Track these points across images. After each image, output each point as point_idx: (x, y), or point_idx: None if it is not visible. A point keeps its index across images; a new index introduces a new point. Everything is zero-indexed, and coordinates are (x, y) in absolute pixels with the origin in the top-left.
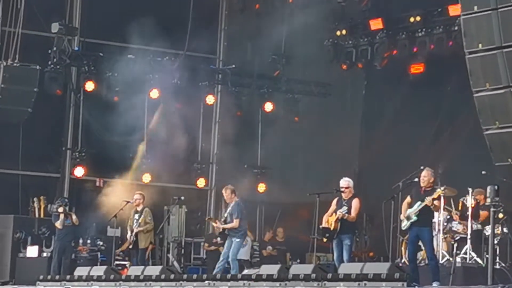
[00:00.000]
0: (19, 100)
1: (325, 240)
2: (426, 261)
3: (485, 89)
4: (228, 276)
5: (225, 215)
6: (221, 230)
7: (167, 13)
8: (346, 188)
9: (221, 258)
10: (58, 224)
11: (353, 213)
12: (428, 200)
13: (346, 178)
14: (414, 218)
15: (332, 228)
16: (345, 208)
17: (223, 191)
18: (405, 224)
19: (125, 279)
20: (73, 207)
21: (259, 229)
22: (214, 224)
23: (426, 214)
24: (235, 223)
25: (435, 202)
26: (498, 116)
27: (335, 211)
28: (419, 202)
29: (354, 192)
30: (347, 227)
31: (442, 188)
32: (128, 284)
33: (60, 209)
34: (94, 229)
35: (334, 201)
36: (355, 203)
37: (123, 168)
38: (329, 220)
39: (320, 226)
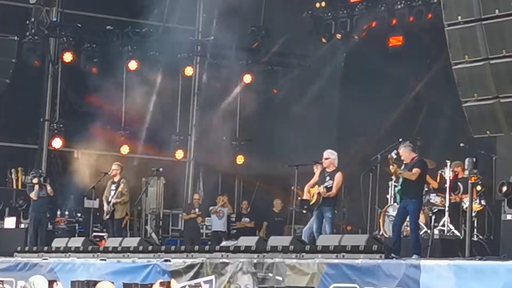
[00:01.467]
0: None
1: (304, 212)
2: (404, 234)
3: (464, 61)
4: (206, 247)
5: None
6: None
7: None
8: (326, 159)
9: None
10: (32, 195)
11: (334, 188)
12: (392, 169)
13: (329, 150)
14: (398, 188)
15: (314, 201)
16: (330, 182)
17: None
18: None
19: (103, 250)
20: (48, 178)
21: (237, 201)
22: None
23: (408, 187)
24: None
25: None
26: (477, 88)
27: (317, 183)
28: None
29: (338, 166)
30: (328, 200)
31: (393, 153)
32: (106, 256)
33: (35, 180)
34: (72, 200)
35: (317, 173)
36: (338, 177)
37: (101, 140)
38: (310, 191)
39: (299, 198)
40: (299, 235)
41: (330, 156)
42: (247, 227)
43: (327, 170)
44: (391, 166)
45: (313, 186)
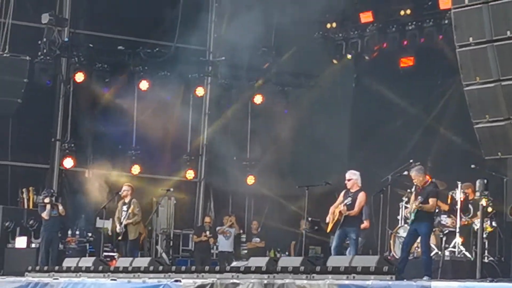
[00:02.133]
0: (9, 91)
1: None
2: (415, 255)
3: (475, 82)
4: (217, 268)
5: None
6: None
7: (157, 5)
8: (349, 180)
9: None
10: (44, 215)
11: (356, 207)
12: (407, 211)
13: (351, 171)
14: (412, 216)
15: (335, 220)
16: (349, 199)
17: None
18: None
19: (114, 270)
20: (60, 198)
21: (247, 221)
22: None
23: (423, 213)
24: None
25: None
26: (488, 109)
27: (341, 203)
28: (417, 202)
29: (361, 186)
30: (352, 220)
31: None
32: (116, 276)
33: (46, 200)
34: (83, 220)
35: (342, 193)
36: (360, 196)
37: (112, 160)
38: (335, 212)
39: (309, 219)
40: (310, 256)
41: (352, 177)
42: (257, 247)
43: (351, 190)
44: (413, 204)
45: (337, 207)
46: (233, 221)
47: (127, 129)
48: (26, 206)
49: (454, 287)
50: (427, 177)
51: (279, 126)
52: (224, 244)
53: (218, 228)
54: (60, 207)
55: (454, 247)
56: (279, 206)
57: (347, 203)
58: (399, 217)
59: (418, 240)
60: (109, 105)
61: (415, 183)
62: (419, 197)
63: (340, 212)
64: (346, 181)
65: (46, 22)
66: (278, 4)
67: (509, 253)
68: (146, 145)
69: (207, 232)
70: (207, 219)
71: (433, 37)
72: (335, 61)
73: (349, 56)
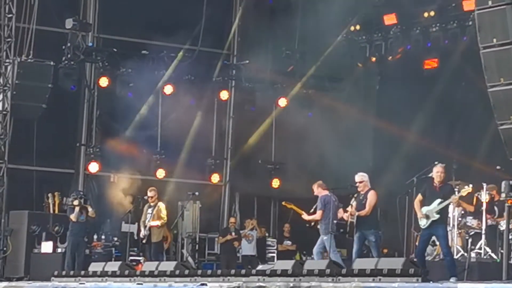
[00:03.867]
0: (34, 96)
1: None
2: (441, 256)
3: (500, 83)
4: (243, 271)
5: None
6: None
7: (181, 9)
8: (360, 182)
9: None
10: (72, 217)
11: (367, 206)
12: (454, 200)
13: (360, 173)
14: (436, 216)
15: (349, 223)
16: (359, 201)
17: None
18: (425, 223)
19: (140, 274)
20: (88, 200)
21: (272, 224)
22: (301, 215)
23: (445, 212)
24: (318, 214)
25: (464, 205)
26: None
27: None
28: (438, 200)
29: (370, 186)
30: (366, 221)
31: (470, 186)
32: (142, 280)
33: (76, 202)
34: (108, 224)
35: (354, 197)
36: (371, 195)
37: (137, 164)
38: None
39: (334, 221)
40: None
41: (363, 179)
42: (289, 250)
43: (361, 192)
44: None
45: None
46: (254, 224)
47: (152, 133)
48: (51, 211)
49: None
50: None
51: (303, 129)
52: (247, 247)
53: (240, 231)
54: (90, 210)
55: (480, 248)
56: (305, 209)
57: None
58: None
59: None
60: (133, 110)
61: (436, 179)
62: (437, 198)
63: (351, 215)
64: (358, 183)
65: (70, 27)
66: (302, 7)
67: None
68: (171, 149)
69: (233, 233)
70: (232, 220)
71: (457, 38)
72: (359, 64)
73: (373, 59)
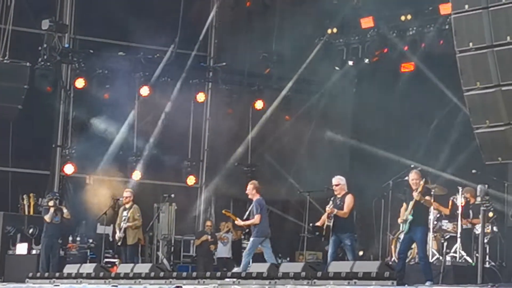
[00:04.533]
0: (9, 97)
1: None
2: (416, 260)
3: (476, 87)
4: (218, 274)
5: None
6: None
7: (158, 10)
8: (336, 185)
9: None
10: (47, 218)
11: (345, 208)
12: (415, 195)
13: (337, 176)
14: (410, 217)
15: (323, 224)
16: (336, 205)
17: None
18: (403, 227)
19: (115, 276)
20: (64, 201)
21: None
22: (235, 220)
23: (420, 213)
24: (256, 219)
25: (427, 197)
26: (489, 115)
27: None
28: (411, 202)
29: (347, 190)
30: (343, 225)
31: (423, 180)
32: (117, 282)
33: (51, 203)
34: (83, 226)
35: (331, 201)
36: (347, 199)
37: (113, 166)
38: (323, 217)
39: (311, 224)
40: (310, 261)
41: (340, 182)
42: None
43: (338, 196)
44: (417, 193)
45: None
46: (230, 226)
47: (128, 135)
48: (27, 213)
49: None
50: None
51: (280, 131)
52: (222, 250)
53: (216, 234)
54: (65, 211)
55: (455, 252)
56: (280, 212)
57: (331, 206)
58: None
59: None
60: (109, 111)
61: (412, 185)
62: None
63: (328, 216)
64: (334, 186)
65: (47, 28)
66: (279, 10)
67: (510, 258)
68: (147, 151)
69: (209, 237)
70: (208, 223)
71: (433, 42)
72: (337, 68)
73: (350, 63)
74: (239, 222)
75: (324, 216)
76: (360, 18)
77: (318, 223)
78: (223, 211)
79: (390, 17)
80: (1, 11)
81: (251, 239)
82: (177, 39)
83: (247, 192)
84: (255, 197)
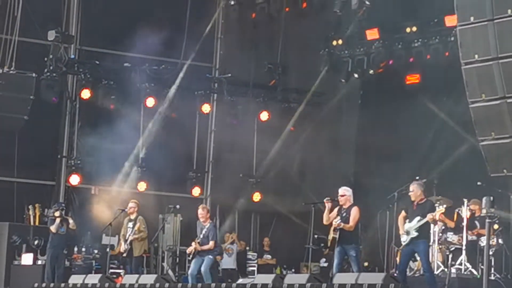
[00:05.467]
0: (15, 108)
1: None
2: (421, 272)
3: (481, 99)
4: (223, 285)
5: (201, 236)
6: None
7: (164, 22)
8: (342, 196)
9: (189, 278)
10: (52, 228)
11: (351, 222)
12: (429, 218)
13: (344, 187)
14: (414, 233)
15: (331, 237)
16: (342, 217)
17: (200, 210)
18: (405, 239)
19: (120, 287)
20: (69, 212)
21: (253, 238)
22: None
23: (425, 229)
24: (211, 244)
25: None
26: (494, 127)
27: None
28: (418, 218)
29: (354, 202)
30: (348, 236)
31: (443, 207)
32: None
33: (57, 213)
34: (89, 237)
35: (335, 210)
36: (353, 212)
37: (118, 177)
38: (329, 230)
39: (315, 236)
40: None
41: (345, 193)
42: (269, 264)
43: (344, 207)
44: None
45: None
46: (234, 237)
47: (133, 146)
48: (32, 223)
49: None
50: (423, 194)
51: (285, 143)
52: (227, 261)
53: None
54: (71, 221)
55: (460, 264)
56: (285, 223)
57: (338, 221)
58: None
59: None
60: (115, 122)
61: (411, 197)
62: (416, 215)
63: (334, 229)
64: (340, 197)
65: (53, 39)
66: (285, 21)
67: None
68: (152, 162)
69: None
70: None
71: (439, 54)
72: (342, 80)
73: (355, 74)
74: (196, 245)
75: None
76: (365, 30)
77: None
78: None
79: (395, 29)
80: (7, 22)
81: (209, 257)
82: (183, 50)
83: (200, 216)
84: (208, 221)
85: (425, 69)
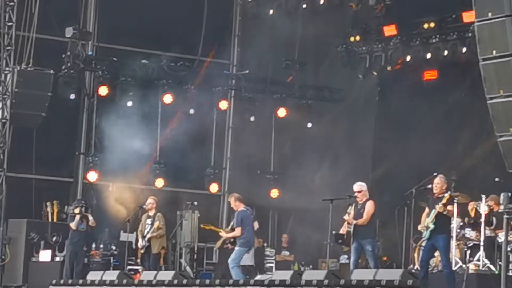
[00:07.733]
0: (33, 105)
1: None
2: (439, 268)
3: (499, 95)
4: (241, 281)
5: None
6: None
7: (181, 19)
8: (359, 192)
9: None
10: (72, 225)
11: (365, 215)
12: (439, 207)
13: (359, 182)
14: (431, 226)
15: (344, 232)
16: (358, 212)
17: (230, 199)
18: (424, 234)
19: (138, 284)
20: (89, 209)
21: (271, 235)
22: (219, 232)
23: (441, 221)
24: (237, 231)
25: (449, 207)
26: None
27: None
28: (433, 210)
29: (369, 196)
30: (363, 231)
31: (448, 192)
32: None
33: (77, 210)
34: (106, 233)
35: (352, 206)
36: (368, 205)
37: (136, 173)
38: (344, 225)
39: (333, 232)
40: (333, 269)
41: (361, 188)
42: (287, 261)
43: (359, 202)
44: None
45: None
46: None
47: (151, 142)
48: (50, 220)
49: None
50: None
51: (302, 139)
52: (245, 257)
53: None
54: (91, 218)
55: (478, 260)
56: (303, 220)
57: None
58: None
59: (436, 254)
60: (133, 119)
61: (433, 190)
62: (434, 208)
63: (348, 224)
64: (356, 193)
65: (70, 36)
66: (302, 18)
67: None
68: (170, 159)
69: (229, 245)
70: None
71: (456, 50)
72: (359, 76)
73: (374, 73)
74: (222, 233)
75: (345, 225)
76: (383, 26)
77: (340, 231)
78: (201, 226)
79: (413, 25)
80: (25, 19)
81: (236, 248)
82: (201, 47)
83: (231, 206)
84: (239, 208)
85: (442, 65)
